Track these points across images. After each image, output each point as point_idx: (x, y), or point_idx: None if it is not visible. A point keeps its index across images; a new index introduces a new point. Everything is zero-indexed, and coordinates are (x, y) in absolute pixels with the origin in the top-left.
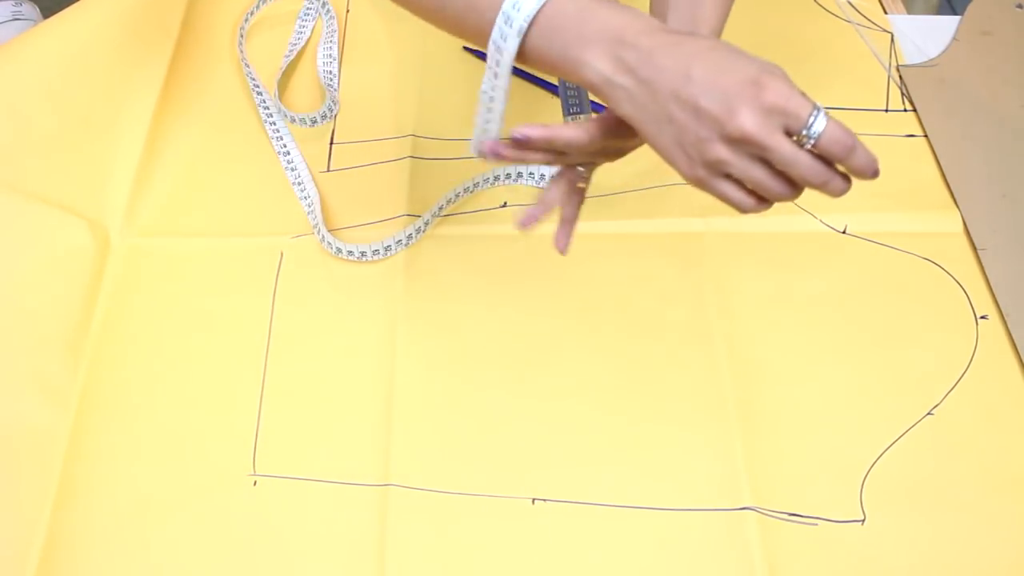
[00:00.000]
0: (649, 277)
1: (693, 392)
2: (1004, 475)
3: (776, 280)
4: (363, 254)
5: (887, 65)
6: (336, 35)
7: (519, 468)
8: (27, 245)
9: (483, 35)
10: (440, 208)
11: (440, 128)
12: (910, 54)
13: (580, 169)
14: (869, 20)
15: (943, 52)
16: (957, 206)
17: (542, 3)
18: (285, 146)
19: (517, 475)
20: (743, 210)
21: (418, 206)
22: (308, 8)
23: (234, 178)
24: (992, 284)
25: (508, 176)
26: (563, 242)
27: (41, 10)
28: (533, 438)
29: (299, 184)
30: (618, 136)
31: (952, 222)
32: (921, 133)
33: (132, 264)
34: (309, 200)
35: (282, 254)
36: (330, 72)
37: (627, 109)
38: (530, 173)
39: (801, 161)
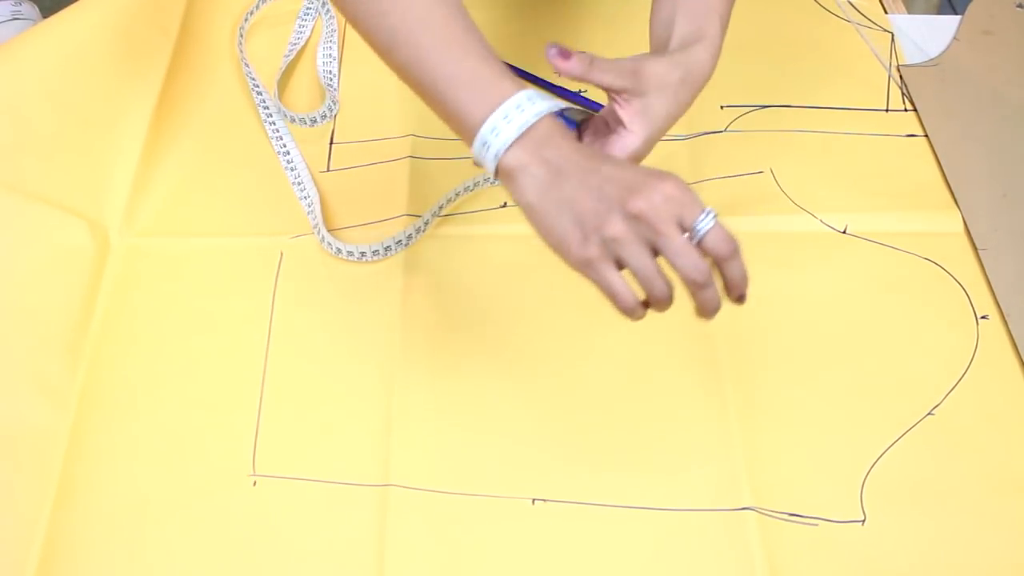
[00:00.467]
0: None
1: (693, 392)
2: (1005, 475)
3: (776, 280)
4: (363, 254)
5: (887, 65)
6: (336, 35)
7: (519, 468)
8: (27, 245)
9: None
10: (440, 207)
11: (440, 128)
12: (910, 54)
13: None
14: (869, 20)
15: (943, 52)
16: (957, 206)
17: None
18: (285, 146)
19: (517, 475)
20: (622, 306)
21: (418, 206)
22: (308, 7)
23: (234, 178)
24: (992, 284)
25: None
26: None
27: (41, 10)
28: (533, 438)
29: (299, 184)
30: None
31: (952, 222)
32: (921, 133)
33: (132, 264)
34: (309, 200)
35: (282, 254)
36: (330, 72)
37: (530, 196)
38: None
39: (688, 254)
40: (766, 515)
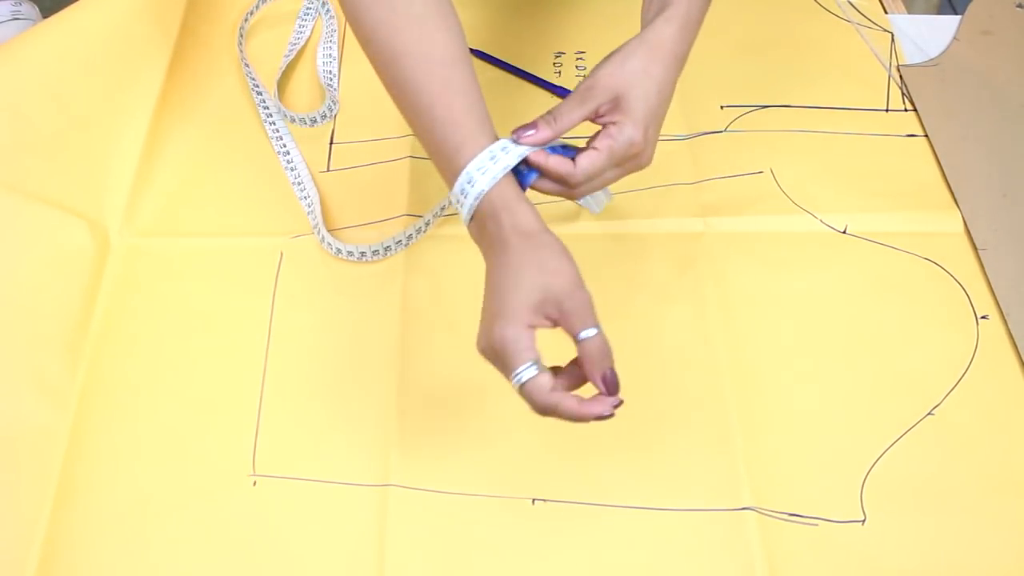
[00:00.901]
0: (649, 277)
1: (693, 392)
2: (1004, 475)
3: (776, 280)
4: (363, 254)
5: (887, 65)
6: (336, 35)
7: (519, 468)
8: (27, 245)
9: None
10: (442, 208)
11: None
12: (910, 54)
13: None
14: (869, 20)
15: (943, 52)
16: (957, 206)
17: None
18: (285, 146)
19: (517, 475)
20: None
21: (418, 206)
22: (308, 8)
23: (234, 178)
24: (992, 284)
25: None
26: None
27: (41, 10)
28: (533, 438)
29: (299, 184)
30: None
31: (952, 222)
32: (921, 133)
33: (132, 264)
34: (309, 200)
35: (282, 254)
36: (330, 72)
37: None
38: None
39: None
40: (766, 515)
